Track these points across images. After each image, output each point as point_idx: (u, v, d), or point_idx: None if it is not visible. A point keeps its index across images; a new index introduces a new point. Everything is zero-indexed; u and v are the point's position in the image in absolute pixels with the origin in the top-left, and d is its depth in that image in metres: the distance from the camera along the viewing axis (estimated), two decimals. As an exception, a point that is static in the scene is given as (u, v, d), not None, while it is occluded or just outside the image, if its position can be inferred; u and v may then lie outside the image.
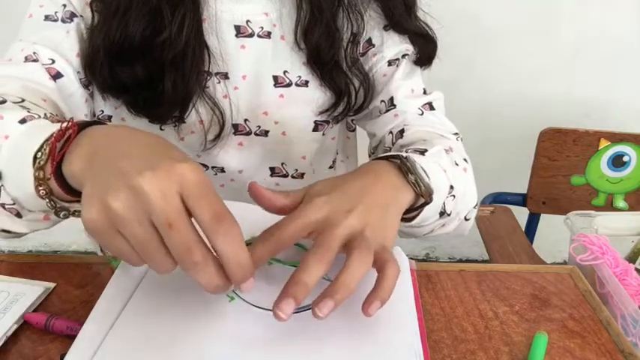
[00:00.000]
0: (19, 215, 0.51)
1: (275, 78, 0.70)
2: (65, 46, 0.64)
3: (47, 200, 0.46)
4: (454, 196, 0.60)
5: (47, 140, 0.46)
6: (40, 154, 0.46)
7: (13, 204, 0.49)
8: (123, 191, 0.39)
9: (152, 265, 0.40)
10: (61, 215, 0.48)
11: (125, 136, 0.44)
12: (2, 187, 0.48)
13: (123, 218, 0.38)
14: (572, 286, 0.64)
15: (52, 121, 0.51)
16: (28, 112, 0.52)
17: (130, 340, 0.43)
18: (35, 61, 0.62)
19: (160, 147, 0.43)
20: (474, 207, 0.65)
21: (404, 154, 0.56)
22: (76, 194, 0.46)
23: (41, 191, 0.46)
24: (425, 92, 0.74)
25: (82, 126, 0.47)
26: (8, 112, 0.51)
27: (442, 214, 0.60)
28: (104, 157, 0.42)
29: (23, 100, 0.58)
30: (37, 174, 0.45)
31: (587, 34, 1.65)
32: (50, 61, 0.63)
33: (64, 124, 0.46)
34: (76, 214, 0.48)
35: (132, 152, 0.42)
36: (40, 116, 0.52)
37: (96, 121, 0.48)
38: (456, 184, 0.61)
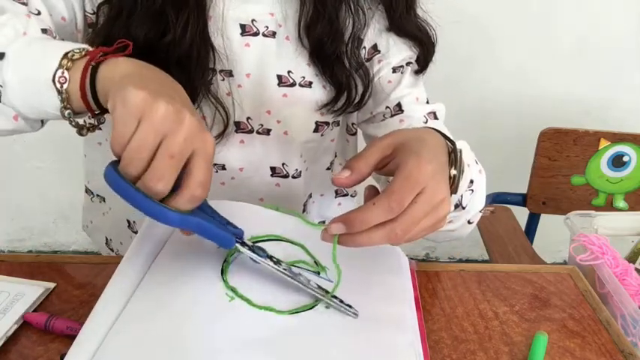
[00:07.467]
0: None
1: (279, 77, 0.70)
2: (58, 5, 0.64)
3: (62, 90, 0.48)
4: (472, 190, 0.61)
5: (79, 49, 0.49)
6: (76, 50, 0.49)
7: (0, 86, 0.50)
8: (170, 103, 0.43)
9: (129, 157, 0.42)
10: (66, 114, 0.49)
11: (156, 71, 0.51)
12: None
13: (156, 121, 0.42)
14: (572, 286, 0.64)
15: None
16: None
17: (129, 340, 0.43)
18: (24, 4, 0.61)
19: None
20: (480, 211, 0.65)
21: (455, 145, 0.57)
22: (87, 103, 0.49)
23: (60, 78, 0.48)
24: (427, 102, 0.75)
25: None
26: (32, 24, 0.55)
27: (457, 206, 0.60)
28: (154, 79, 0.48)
29: None
30: (63, 62, 0.48)
31: (588, 34, 1.65)
32: (36, 12, 0.62)
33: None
34: (75, 122, 0.51)
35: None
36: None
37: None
38: (475, 179, 0.61)
